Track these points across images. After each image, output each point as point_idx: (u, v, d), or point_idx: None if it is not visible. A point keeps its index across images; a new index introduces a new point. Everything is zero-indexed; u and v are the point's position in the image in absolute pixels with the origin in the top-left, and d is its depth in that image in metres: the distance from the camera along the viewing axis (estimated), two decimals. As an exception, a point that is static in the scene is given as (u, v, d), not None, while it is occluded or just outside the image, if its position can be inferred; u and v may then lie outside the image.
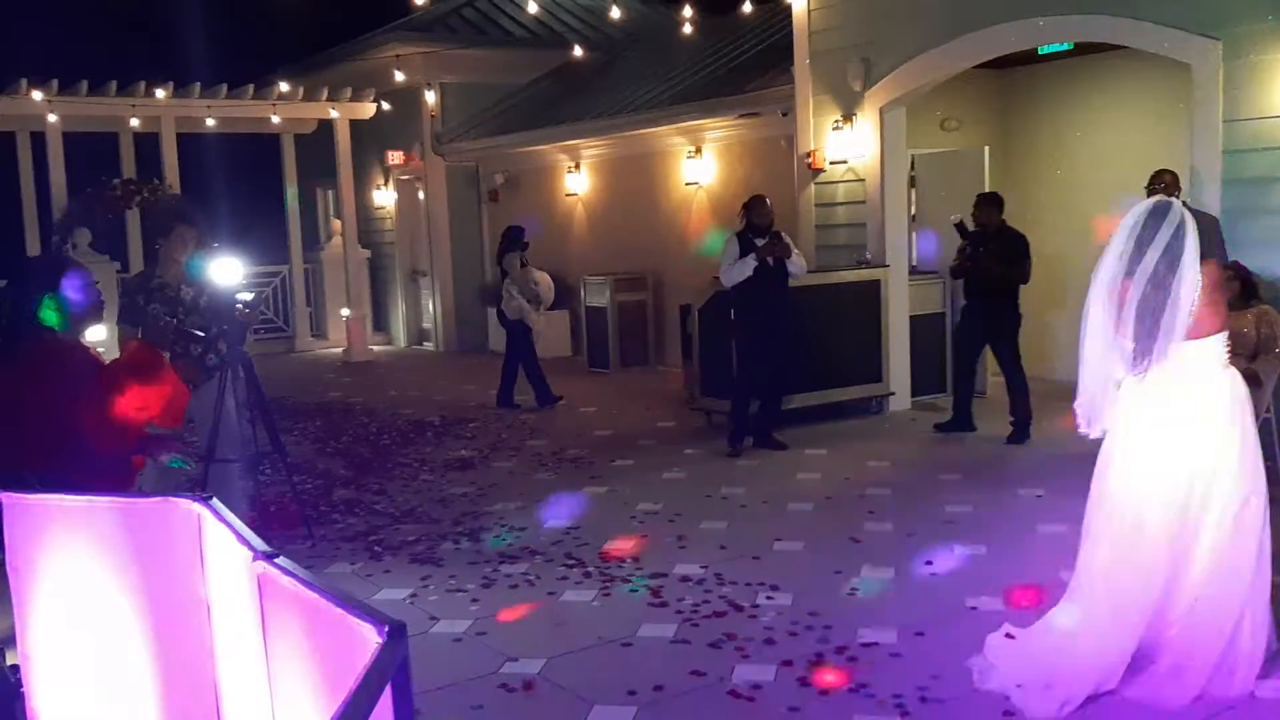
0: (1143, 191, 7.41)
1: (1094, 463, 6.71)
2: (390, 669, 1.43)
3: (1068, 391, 9.28)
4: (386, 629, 1.49)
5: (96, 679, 2.47)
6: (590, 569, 5.76)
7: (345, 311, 15.66)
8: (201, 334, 5.54)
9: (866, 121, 9.62)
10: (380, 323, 17.16)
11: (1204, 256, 4.21)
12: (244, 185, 15.65)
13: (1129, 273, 3.97)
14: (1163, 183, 7.33)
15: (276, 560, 1.83)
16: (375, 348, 16.10)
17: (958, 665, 4.35)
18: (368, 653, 1.53)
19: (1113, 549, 4.06)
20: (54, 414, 3.18)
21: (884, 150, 9.55)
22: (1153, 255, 3.92)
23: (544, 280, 11.03)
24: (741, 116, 11.47)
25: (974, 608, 5.02)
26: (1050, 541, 5.94)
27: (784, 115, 10.67)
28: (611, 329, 12.90)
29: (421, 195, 16.17)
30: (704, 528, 6.41)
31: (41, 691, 2.64)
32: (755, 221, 8.05)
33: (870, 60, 9.46)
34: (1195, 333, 4.01)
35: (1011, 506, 6.65)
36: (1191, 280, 3.91)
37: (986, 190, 9.96)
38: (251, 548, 1.94)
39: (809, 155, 9.95)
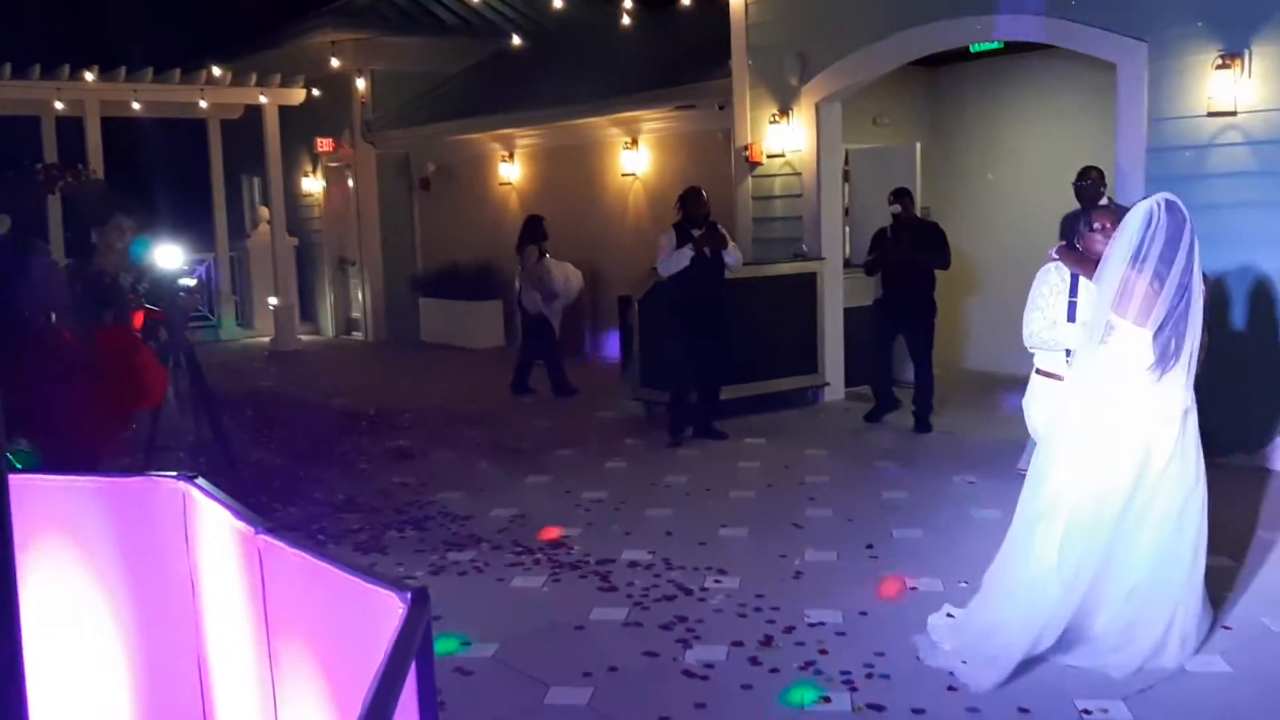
0: (1070, 188, 7.69)
1: (1020, 451, 6.97)
2: (419, 635, 1.47)
3: (988, 381, 9.59)
4: (409, 596, 1.53)
5: (74, 657, 2.45)
6: (539, 555, 5.80)
7: (273, 300, 15.44)
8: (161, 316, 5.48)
9: (803, 116, 9.76)
10: (307, 312, 16.93)
11: None
12: (169, 171, 15.32)
13: (1142, 267, 4.06)
14: (1090, 179, 7.57)
15: (280, 535, 1.86)
16: (303, 337, 15.89)
17: (902, 642, 4.49)
18: (387, 621, 1.57)
19: (1063, 527, 4.18)
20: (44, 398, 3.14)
21: (820, 145, 9.70)
22: (1182, 254, 4.02)
23: (563, 272, 10.68)
24: (678, 109, 11.55)
25: (914, 588, 5.17)
26: (985, 526, 6.11)
27: (721, 108, 10.78)
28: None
29: (351, 183, 15.99)
30: (649, 515, 6.48)
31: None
32: (691, 213, 8.13)
33: (807, 55, 9.61)
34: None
35: (946, 492, 6.83)
36: (1200, 280, 4.10)
37: (918, 185, 10.21)
38: (252, 523, 1.95)
39: (747, 148, 10.06)
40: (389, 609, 1.58)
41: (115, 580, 2.38)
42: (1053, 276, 4.83)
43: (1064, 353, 4.75)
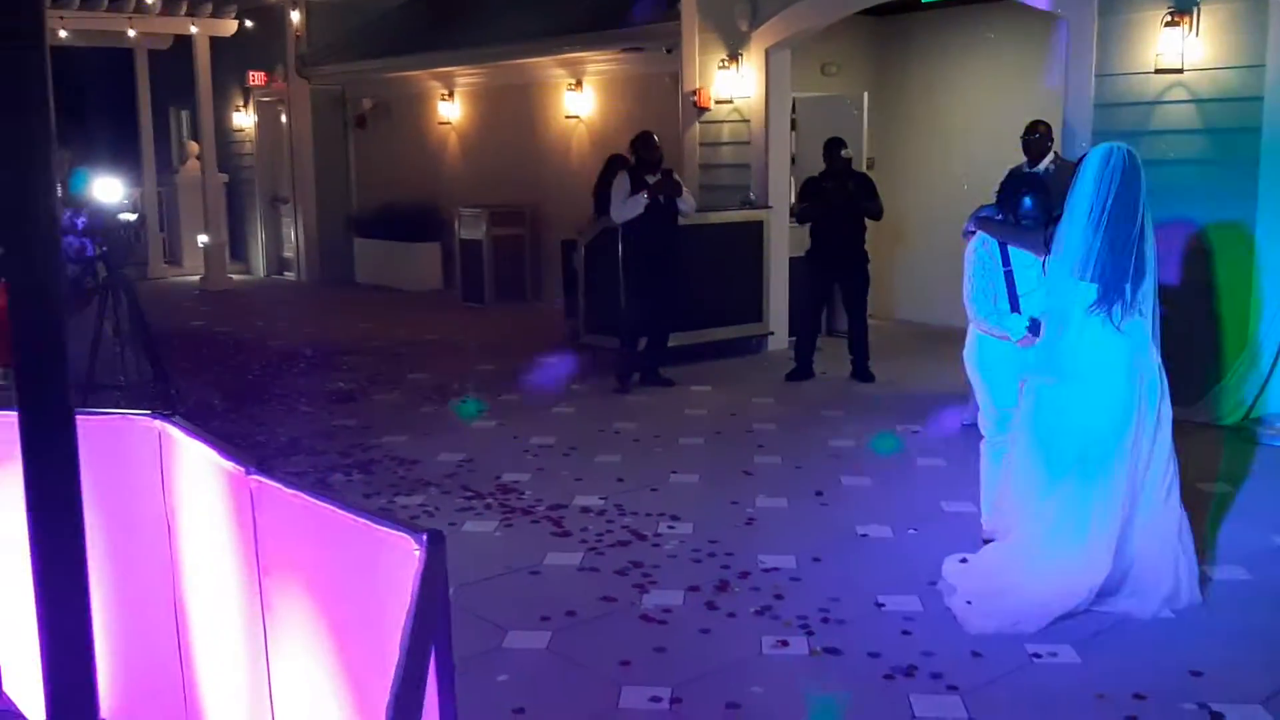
0: (1018, 141, 7.75)
1: (960, 401, 7.07)
2: (440, 579, 1.44)
3: (925, 332, 9.66)
4: (425, 538, 1.49)
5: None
6: (490, 501, 5.77)
7: (203, 238, 15.04)
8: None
9: (752, 63, 9.69)
10: (238, 251, 16.53)
11: None
12: (95, 103, 14.76)
13: (1101, 213, 4.08)
14: (1038, 133, 7.63)
15: (275, 475, 1.80)
16: (234, 276, 15.53)
17: (855, 588, 4.56)
18: (396, 564, 1.53)
19: (1077, 488, 4.23)
20: None
21: (769, 92, 9.64)
22: (1133, 198, 4.08)
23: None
24: (625, 51, 11.39)
25: (864, 535, 5.24)
26: (929, 473, 6.23)
27: (668, 52, 10.65)
28: (487, 263, 12.75)
29: (284, 119, 15.56)
30: (599, 461, 6.46)
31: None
32: (644, 157, 8.05)
33: (757, 1, 9.51)
34: None
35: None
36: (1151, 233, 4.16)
37: (864, 135, 10.24)
38: (242, 463, 1.89)
39: (696, 94, 9.97)
40: (400, 551, 1.53)
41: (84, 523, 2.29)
42: (981, 253, 4.78)
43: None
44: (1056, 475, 4.26)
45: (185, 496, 2.12)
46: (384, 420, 7.51)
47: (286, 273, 16.12)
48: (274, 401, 8.12)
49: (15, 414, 2.13)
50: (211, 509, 2.00)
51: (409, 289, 14.04)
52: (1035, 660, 3.95)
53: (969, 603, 4.26)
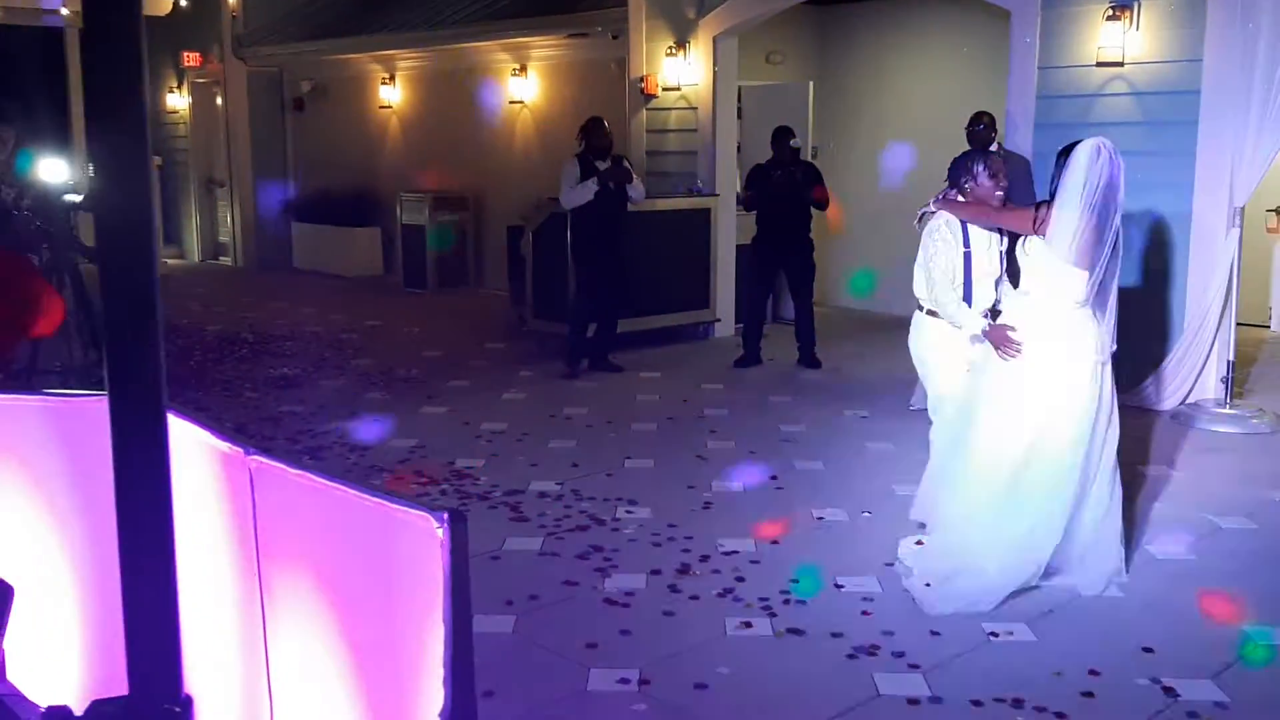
0: (961, 132, 7.87)
1: (905, 386, 7.18)
2: (465, 559, 1.44)
3: (869, 319, 9.76)
4: (447, 516, 1.49)
5: (19, 588, 2.31)
6: (445, 486, 5.74)
7: (136, 222, 14.68)
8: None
9: (699, 50, 9.72)
10: (171, 235, 16.19)
11: (1020, 199, 4.57)
12: (22, 81, 14.33)
13: (1089, 212, 4.20)
14: (982, 124, 7.75)
15: (276, 455, 1.78)
16: (168, 261, 15.22)
17: (814, 570, 4.62)
18: (411, 544, 1.53)
19: (1042, 479, 4.34)
20: None
21: (716, 80, 9.68)
22: (1118, 197, 4.23)
23: None
24: (570, 36, 11.34)
25: (821, 518, 5.30)
26: (879, 457, 6.32)
27: (615, 38, 10.62)
28: (430, 248, 12.64)
29: (220, 101, 15.25)
30: (553, 446, 6.46)
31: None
32: (595, 144, 8.03)
33: (705, -12, 9.55)
34: None
35: (840, 426, 7.00)
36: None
37: (810, 123, 10.33)
38: (240, 444, 1.87)
39: (643, 80, 9.97)
40: (418, 531, 1.53)
41: (64, 507, 2.24)
42: (944, 231, 4.78)
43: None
44: (1016, 458, 4.36)
45: (176, 480, 2.08)
46: (331, 406, 7.43)
47: (222, 257, 15.83)
48: (216, 388, 7.98)
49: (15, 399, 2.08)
50: (203, 492, 1.97)
51: (348, 274, 13.87)
52: (993, 639, 4.04)
53: (927, 585, 4.35)
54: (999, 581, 4.31)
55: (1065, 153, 4.35)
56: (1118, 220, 4.26)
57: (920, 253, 4.94)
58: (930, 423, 5.16)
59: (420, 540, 1.50)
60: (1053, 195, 4.33)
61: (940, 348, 4.93)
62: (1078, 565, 4.46)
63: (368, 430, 6.75)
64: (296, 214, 14.95)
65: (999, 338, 4.42)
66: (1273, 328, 9.96)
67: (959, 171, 4.90)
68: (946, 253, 4.75)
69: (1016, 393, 4.37)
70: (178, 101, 15.88)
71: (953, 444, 4.71)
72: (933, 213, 4.88)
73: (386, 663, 1.66)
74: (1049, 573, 4.42)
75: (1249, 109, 6.66)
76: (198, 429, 1.94)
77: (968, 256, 4.82)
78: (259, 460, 1.82)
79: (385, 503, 1.57)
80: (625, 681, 3.69)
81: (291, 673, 1.85)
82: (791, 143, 8.46)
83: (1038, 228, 4.33)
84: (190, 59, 15.13)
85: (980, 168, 4.81)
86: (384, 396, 7.75)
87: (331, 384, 8.16)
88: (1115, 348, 4.44)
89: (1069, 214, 4.23)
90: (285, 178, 15.36)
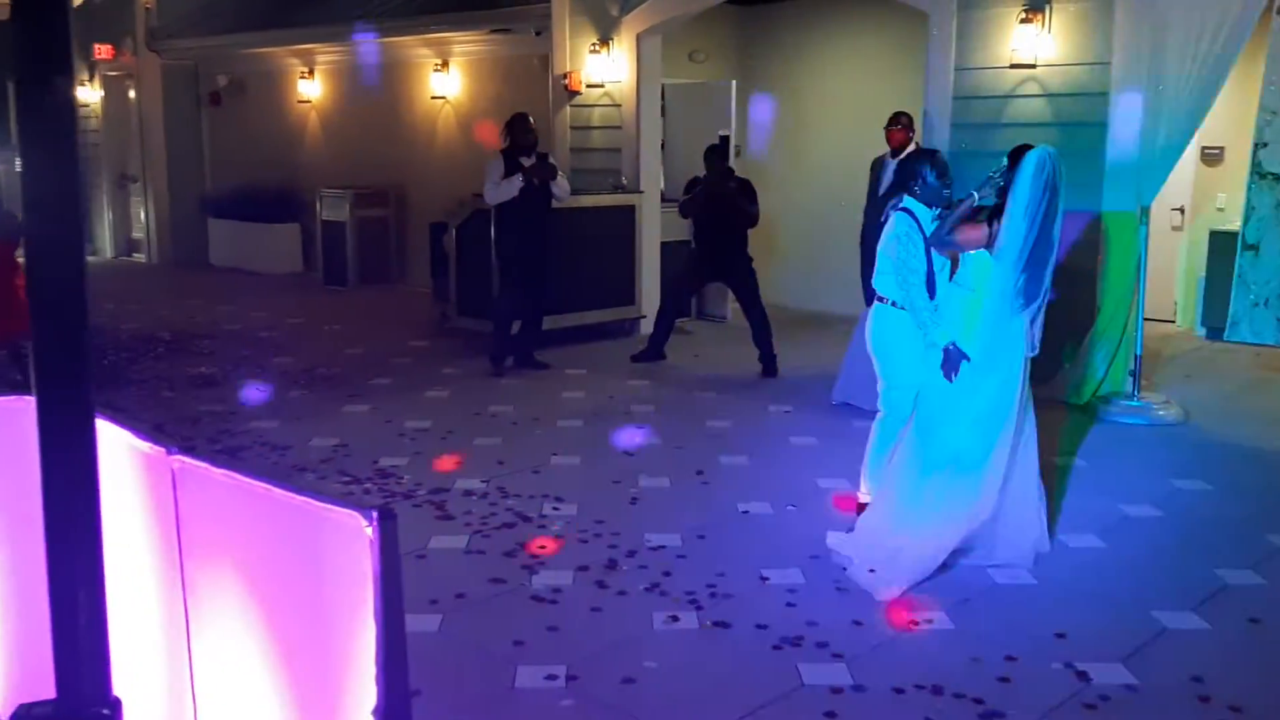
0: (880, 132, 8.01)
1: (829, 383, 7.29)
2: (396, 557, 1.43)
3: (788, 316, 9.86)
4: (376, 515, 1.49)
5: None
6: (369, 485, 5.69)
7: (45, 217, 14.27)
8: None
9: (623, 47, 9.74)
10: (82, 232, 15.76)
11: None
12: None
13: (1033, 216, 4.35)
14: (900, 124, 7.92)
15: (201, 455, 1.76)
16: (79, 258, 14.81)
17: (741, 563, 4.68)
18: (346, 543, 1.52)
19: (950, 468, 4.52)
20: None
21: (640, 77, 9.71)
22: (1056, 199, 4.36)
23: None
24: (493, 32, 11.29)
25: (746, 511, 5.36)
26: (803, 452, 6.41)
27: (537, 34, 10.61)
28: (350, 245, 12.49)
29: (133, 95, 14.91)
30: (478, 444, 6.44)
31: None
32: (519, 140, 8.00)
33: (629, -15, 9.57)
34: None
35: (765, 421, 7.08)
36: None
37: (734, 122, 10.41)
38: (162, 444, 1.84)
39: (566, 77, 9.97)
40: (347, 531, 1.53)
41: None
42: (915, 235, 4.80)
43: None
44: (952, 445, 4.51)
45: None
46: (251, 405, 7.31)
47: (136, 254, 15.48)
48: (132, 388, 7.81)
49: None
50: (127, 493, 1.94)
51: (267, 271, 13.66)
52: (914, 626, 4.12)
53: (872, 571, 4.45)
54: (933, 555, 4.50)
55: (1015, 157, 4.47)
56: (1058, 224, 4.43)
57: (887, 249, 4.93)
58: (878, 413, 5.18)
59: (349, 539, 1.50)
60: (999, 204, 4.47)
61: (907, 340, 4.98)
62: (1003, 539, 4.63)
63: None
64: (213, 210, 14.66)
65: (952, 365, 4.53)
66: (1177, 322, 10.29)
67: (908, 174, 4.99)
68: (919, 255, 4.80)
69: (956, 385, 4.53)
70: (89, 95, 15.47)
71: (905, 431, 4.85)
72: (904, 209, 4.91)
73: (316, 662, 1.65)
74: (972, 546, 4.61)
75: (1154, 111, 6.87)
76: (118, 429, 1.91)
77: (928, 256, 4.89)
78: (181, 460, 1.80)
79: (313, 501, 1.56)
80: (553, 678, 3.70)
81: (217, 673, 1.83)
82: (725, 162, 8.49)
83: (990, 245, 4.47)
84: (102, 51, 14.76)
85: (927, 168, 4.90)
86: (305, 396, 7.65)
87: (252, 383, 8.02)
88: (1038, 351, 4.59)
89: (1015, 232, 4.38)
90: (201, 173, 15.07)
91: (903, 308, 4.88)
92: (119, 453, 1.95)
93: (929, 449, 4.56)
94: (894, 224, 4.87)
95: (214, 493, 1.76)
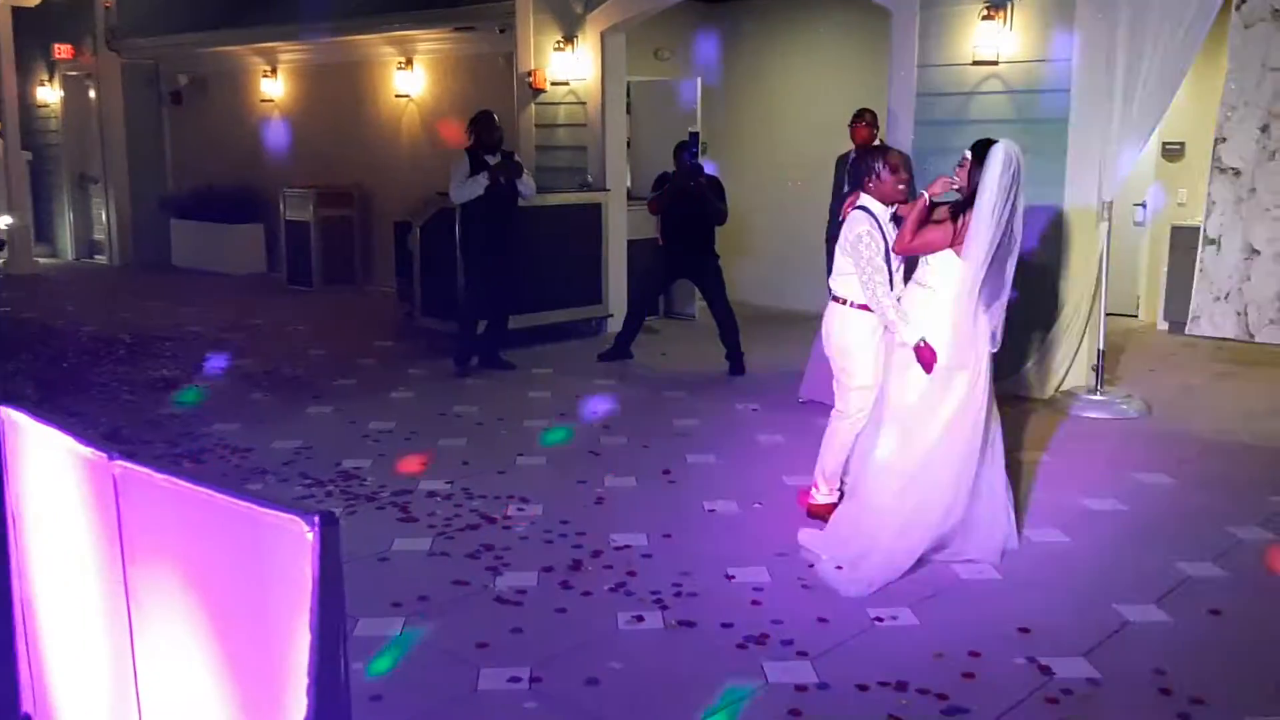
0: (845, 128, 8.01)
1: (795, 381, 7.29)
2: (337, 563, 1.40)
3: (749, 313, 9.86)
4: (317, 519, 1.45)
5: None
6: (331, 488, 5.63)
7: (5, 219, 14.06)
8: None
9: (587, 45, 9.70)
10: (43, 233, 15.55)
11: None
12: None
13: (1004, 208, 4.37)
14: (864, 120, 7.91)
15: (143, 460, 1.72)
16: (41, 260, 14.63)
17: (705, 562, 4.66)
18: (289, 548, 1.49)
19: (921, 469, 4.54)
20: None
21: (605, 75, 9.68)
22: (1019, 195, 4.40)
23: None
24: (456, 30, 11.22)
25: (712, 510, 5.35)
26: (770, 449, 6.40)
27: (501, 32, 10.56)
28: (315, 245, 12.39)
29: (93, 94, 14.71)
30: (443, 445, 6.39)
31: None
32: (484, 139, 7.95)
33: (593, -17, 9.54)
34: None
35: (732, 419, 7.07)
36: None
37: (699, 119, 10.40)
38: (104, 449, 1.80)
39: (531, 75, 9.92)
40: (289, 535, 1.49)
41: None
42: (875, 234, 4.79)
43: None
44: (922, 447, 4.53)
45: (32, 487, 2.00)
46: (212, 408, 7.23)
47: (97, 255, 15.28)
48: (92, 391, 7.70)
49: None
50: (66, 498, 1.90)
51: (230, 272, 13.53)
52: (877, 624, 4.12)
53: (839, 568, 4.47)
54: (904, 557, 4.49)
55: (978, 152, 4.47)
56: (1020, 220, 4.45)
57: (847, 249, 4.89)
58: (835, 411, 5.18)
59: (291, 544, 1.47)
60: (968, 201, 4.48)
61: (869, 341, 4.98)
62: (974, 537, 4.65)
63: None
64: (175, 211, 14.50)
65: (928, 359, 4.52)
66: (1141, 316, 10.37)
67: (861, 171, 4.98)
68: (880, 253, 4.78)
69: (923, 384, 4.56)
70: (49, 95, 15.28)
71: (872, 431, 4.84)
72: (864, 209, 4.89)
73: (260, 668, 1.62)
74: (944, 545, 4.61)
75: (1114, 107, 6.91)
76: (60, 434, 1.86)
77: (887, 253, 4.87)
78: (123, 466, 1.75)
79: (255, 507, 1.53)
80: (516, 680, 3.67)
81: (161, 680, 1.79)
82: (692, 158, 8.45)
83: (956, 245, 4.47)
84: (61, 51, 14.58)
85: (880, 164, 4.88)
86: (267, 398, 7.57)
87: (214, 385, 7.93)
88: (997, 348, 4.60)
89: (984, 232, 4.39)
90: (163, 173, 14.90)
91: (861, 307, 4.89)
92: (60, 458, 1.91)
93: (901, 450, 4.55)
94: (853, 223, 4.85)
95: (156, 498, 1.72)
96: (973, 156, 4.54)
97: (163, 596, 1.75)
